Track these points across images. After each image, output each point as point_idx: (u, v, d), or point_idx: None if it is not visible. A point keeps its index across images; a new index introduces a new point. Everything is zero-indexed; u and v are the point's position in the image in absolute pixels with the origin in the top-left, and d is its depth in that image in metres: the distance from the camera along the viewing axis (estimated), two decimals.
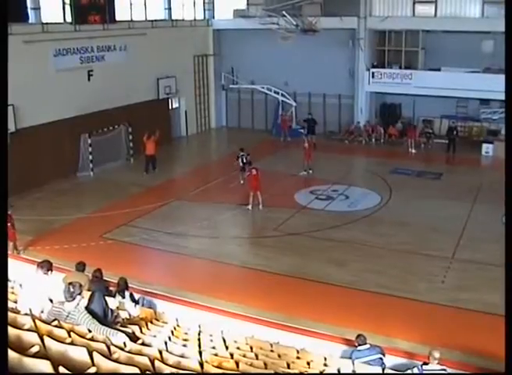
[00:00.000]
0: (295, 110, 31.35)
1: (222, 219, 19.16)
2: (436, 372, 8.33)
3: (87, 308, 7.28)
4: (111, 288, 11.67)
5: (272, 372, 7.37)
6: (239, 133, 32.56)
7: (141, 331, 8.06)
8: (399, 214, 19.28)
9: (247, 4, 31.59)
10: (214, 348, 8.13)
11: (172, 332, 8.73)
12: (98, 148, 23.84)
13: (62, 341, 5.54)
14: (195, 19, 31.73)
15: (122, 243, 17.00)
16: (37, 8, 22.12)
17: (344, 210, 19.88)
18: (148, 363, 5.68)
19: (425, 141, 28.28)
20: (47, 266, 9.01)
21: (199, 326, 9.68)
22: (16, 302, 8.01)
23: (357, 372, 8.62)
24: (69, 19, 23.14)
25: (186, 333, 8.97)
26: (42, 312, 7.47)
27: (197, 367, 6.27)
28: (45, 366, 4.62)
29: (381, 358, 9.06)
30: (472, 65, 26.96)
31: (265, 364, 7.63)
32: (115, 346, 6.08)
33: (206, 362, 6.61)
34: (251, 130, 32.90)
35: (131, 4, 27.30)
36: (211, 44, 32.77)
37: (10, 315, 6.17)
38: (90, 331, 6.57)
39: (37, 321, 6.27)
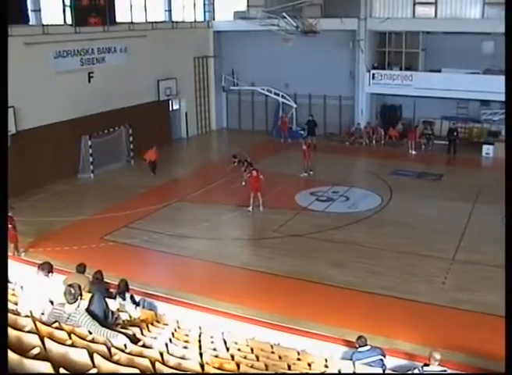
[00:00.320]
0: (295, 112, 31.36)
1: (223, 221, 19.17)
2: (437, 373, 8.33)
3: (87, 309, 7.28)
4: (111, 290, 11.67)
5: (273, 373, 7.37)
6: (239, 134, 32.59)
7: (142, 333, 8.06)
8: (399, 215, 19.28)
9: (248, 5, 31.65)
10: (215, 349, 8.12)
11: (173, 334, 8.72)
12: (99, 149, 23.86)
13: (62, 343, 5.54)
14: (195, 21, 31.75)
15: (122, 245, 16.99)
16: (37, 10, 22.15)
17: (345, 211, 19.87)
18: (149, 365, 5.68)
19: (425, 142, 28.28)
20: (47, 268, 9.00)
21: (200, 328, 9.68)
22: (16, 304, 8.01)
23: (358, 373, 8.62)
24: (69, 21, 23.21)
25: (186, 335, 8.97)
26: (43, 313, 7.46)
27: (198, 369, 6.28)
28: (46, 367, 4.62)
29: (381, 360, 9.05)
30: (473, 66, 27.00)
31: (266, 365, 7.63)
32: (116, 348, 6.08)
33: (207, 363, 6.60)
34: (252, 132, 32.93)
35: (131, 6, 27.33)
36: (211, 46, 32.79)
37: (11, 317, 6.18)
38: (90, 333, 6.57)
39: (37, 323, 6.27)
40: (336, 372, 8.48)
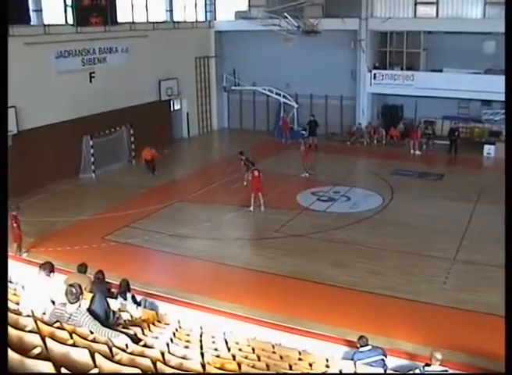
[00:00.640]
0: (297, 112, 31.36)
1: (224, 221, 19.18)
2: (438, 373, 8.33)
3: (88, 309, 7.29)
4: (113, 290, 11.69)
5: (274, 373, 7.37)
6: (240, 134, 32.59)
7: (143, 333, 8.06)
8: (400, 215, 19.27)
9: (249, 5, 31.66)
10: (216, 349, 8.13)
11: (174, 334, 8.73)
12: (100, 149, 23.86)
13: (63, 343, 5.55)
14: (197, 21, 31.76)
15: (124, 245, 17.00)
16: (38, 10, 22.17)
17: (346, 211, 19.86)
18: (150, 365, 5.68)
19: (426, 142, 28.26)
20: (49, 268, 9.01)
21: (201, 328, 9.69)
22: (18, 304, 8.02)
23: (359, 373, 8.62)
24: (70, 21, 23.26)
25: (188, 335, 8.98)
26: (44, 313, 7.47)
27: (199, 369, 6.28)
28: (47, 367, 4.62)
29: (383, 360, 9.06)
30: (474, 66, 26.97)
31: (267, 365, 7.63)
32: (117, 347, 6.08)
33: (208, 363, 6.61)
34: (253, 132, 32.93)
35: (133, 6, 27.35)
36: (212, 46, 32.81)
37: (12, 316, 6.19)
38: (92, 333, 6.58)
39: (39, 323, 6.27)
40: (337, 372, 8.48)
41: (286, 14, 27.13)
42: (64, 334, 6.06)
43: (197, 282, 14.59)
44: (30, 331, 5.68)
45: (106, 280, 11.92)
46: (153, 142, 25.75)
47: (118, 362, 5.45)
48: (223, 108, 34.45)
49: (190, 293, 13.29)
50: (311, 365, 8.63)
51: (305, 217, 19.41)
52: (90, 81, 24.65)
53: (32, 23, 21.83)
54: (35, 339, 5.36)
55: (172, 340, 8.03)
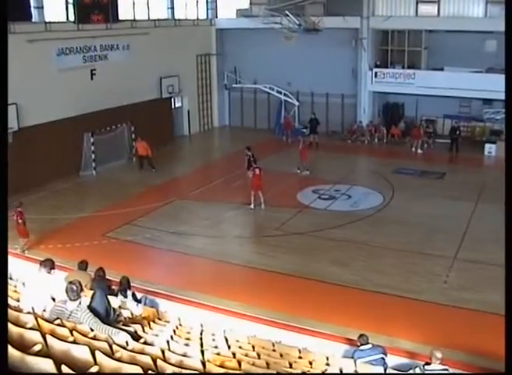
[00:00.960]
0: (298, 110, 31.35)
1: (224, 219, 19.17)
2: (438, 372, 8.34)
3: (89, 306, 7.30)
4: (113, 287, 11.70)
5: (274, 372, 7.37)
6: (241, 132, 32.58)
7: (143, 330, 8.07)
8: (401, 214, 19.26)
9: (250, 3, 31.61)
10: (216, 347, 8.13)
11: (175, 331, 8.74)
12: (101, 147, 23.86)
13: (64, 340, 5.55)
14: (198, 19, 31.74)
15: (124, 242, 17.01)
16: (40, 7, 22.16)
17: (347, 210, 19.86)
18: (150, 362, 5.68)
19: (427, 141, 28.24)
20: (49, 265, 9.03)
21: (201, 326, 9.70)
22: (18, 301, 8.03)
23: (359, 372, 8.62)
24: (72, 18, 23.24)
25: (188, 333, 8.99)
26: (44, 310, 7.48)
27: (200, 366, 6.28)
28: (47, 364, 4.62)
29: (383, 358, 9.06)
30: (475, 65, 26.95)
31: (267, 363, 7.63)
32: (118, 345, 6.09)
33: (208, 361, 6.61)
34: (254, 130, 32.90)
35: (134, 3, 27.33)
36: (213, 44, 32.79)
37: (13, 313, 6.19)
38: (92, 330, 6.59)
39: (39, 320, 6.28)
40: (338, 370, 8.48)
41: (287, 12, 27.12)
42: (64, 331, 6.07)
43: (197, 280, 14.59)
44: (30, 328, 5.68)
45: (107, 277, 11.95)
46: (154, 140, 25.81)
47: (118, 360, 5.44)
48: (224, 106, 34.44)
49: (190, 291, 13.31)
50: (311, 363, 8.64)
51: (306, 215, 19.41)
52: (92, 78, 24.63)
53: (33, 20, 21.81)
54: (35, 336, 5.36)
55: (172, 337, 8.04)
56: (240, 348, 8.63)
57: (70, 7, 23.23)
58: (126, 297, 10.98)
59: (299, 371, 7.96)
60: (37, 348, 5.16)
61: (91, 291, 8.97)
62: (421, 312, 12.81)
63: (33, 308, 7.38)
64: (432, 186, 22.56)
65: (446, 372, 8.41)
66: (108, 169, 24.41)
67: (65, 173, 22.68)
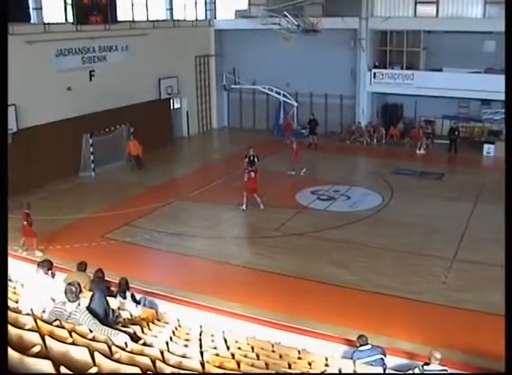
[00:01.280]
0: (296, 110, 31.36)
1: (223, 220, 19.16)
2: (437, 372, 8.34)
3: (88, 308, 7.30)
4: (112, 288, 11.70)
5: (273, 372, 7.37)
6: (240, 133, 32.58)
7: (143, 331, 8.07)
8: (400, 214, 19.27)
9: (249, 4, 31.63)
10: (215, 348, 8.13)
11: (174, 332, 8.74)
12: (100, 148, 23.85)
13: (63, 341, 5.55)
14: (197, 20, 31.76)
15: (123, 243, 17.00)
16: (39, 9, 22.16)
17: (346, 210, 19.86)
18: (150, 363, 5.69)
19: (426, 141, 28.22)
20: (47, 266, 9.02)
21: (200, 327, 9.69)
22: (17, 302, 8.03)
23: (359, 372, 8.62)
24: (70, 19, 23.22)
25: (187, 334, 8.99)
26: (43, 311, 7.48)
27: (199, 367, 6.28)
28: (46, 365, 4.62)
29: (382, 359, 9.06)
30: (474, 65, 26.98)
31: (267, 364, 7.64)
32: (117, 346, 6.09)
33: (207, 362, 6.61)
34: (253, 131, 32.89)
35: (133, 4, 27.35)
36: (212, 45, 32.79)
37: (12, 315, 6.19)
38: (91, 331, 6.59)
39: (38, 321, 6.28)
40: (337, 371, 8.48)
41: (286, 13, 27.11)
42: (63, 333, 6.07)
43: (196, 281, 14.58)
44: (29, 330, 5.68)
45: (106, 278, 11.94)
46: (153, 141, 25.82)
47: (117, 361, 5.45)
48: (223, 107, 34.44)
49: (189, 292, 13.30)
50: (310, 364, 8.64)
51: (305, 216, 19.41)
52: (90, 80, 24.63)
53: (32, 22, 21.83)
54: (34, 337, 5.37)
55: (171, 338, 8.05)
56: (239, 348, 8.63)
57: (69, 8, 23.22)
58: (124, 298, 10.98)
59: (298, 372, 7.96)
60: (36, 349, 5.17)
61: (90, 293, 8.96)
62: (420, 312, 12.81)
63: (32, 310, 7.38)
64: (430, 186, 22.57)
65: (445, 372, 8.41)
66: (107, 170, 24.40)
67: (64, 174, 22.67)
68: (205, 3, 32.34)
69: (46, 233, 17.38)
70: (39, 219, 18.09)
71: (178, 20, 30.19)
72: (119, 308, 10.00)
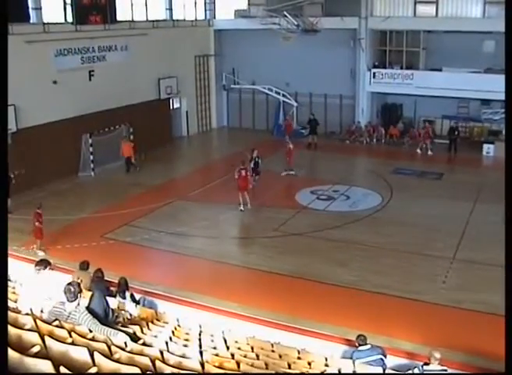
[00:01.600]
0: (296, 110, 31.35)
1: (223, 219, 19.16)
2: (437, 372, 8.34)
3: (87, 308, 7.29)
4: (112, 288, 11.69)
5: (273, 372, 7.37)
6: (240, 133, 32.59)
7: (142, 331, 8.06)
8: (400, 214, 19.27)
9: (248, 4, 31.62)
10: (215, 348, 8.13)
11: (173, 332, 8.73)
12: (99, 148, 23.84)
13: (62, 341, 5.54)
14: (196, 20, 31.75)
15: (123, 243, 17.00)
16: (38, 8, 22.15)
17: (345, 210, 19.86)
18: (149, 363, 5.68)
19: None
20: (44, 265, 9.01)
21: (200, 327, 9.68)
22: (16, 302, 8.02)
23: (358, 372, 8.62)
24: (70, 19, 23.21)
25: (187, 334, 8.98)
26: (42, 311, 7.47)
27: (198, 367, 6.28)
28: (46, 365, 4.62)
29: (382, 359, 9.05)
30: (473, 65, 26.98)
31: (266, 364, 7.63)
32: (116, 346, 6.08)
33: (207, 362, 6.61)
34: (252, 130, 32.90)
35: (132, 4, 27.34)
36: (212, 45, 32.78)
37: (11, 315, 6.18)
38: (91, 331, 6.58)
39: (37, 321, 6.27)
40: (336, 371, 8.48)
41: (285, 13, 27.10)
42: (63, 333, 6.06)
43: (196, 280, 14.58)
44: (28, 330, 5.67)
45: (105, 278, 11.94)
46: (152, 141, 25.82)
47: (117, 361, 5.44)
48: (223, 107, 34.44)
49: (189, 291, 13.30)
50: (309, 364, 8.63)
51: (304, 216, 19.41)
52: (90, 79, 24.62)
53: (31, 22, 21.82)
54: (34, 337, 5.36)
55: (171, 338, 8.04)
56: (239, 348, 8.63)
57: (68, 8, 23.21)
58: (124, 298, 10.97)
59: (298, 372, 7.96)
60: (36, 349, 5.16)
61: (90, 293, 8.96)
62: (419, 312, 12.81)
63: (31, 310, 7.37)
64: (430, 186, 22.58)
65: (444, 372, 8.41)
66: (107, 170, 24.38)
67: (63, 174, 22.66)
68: (205, 3, 32.33)
69: (46, 233, 17.34)
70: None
71: (177, 20, 30.18)
72: (118, 308, 10.00)
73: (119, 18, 25.21)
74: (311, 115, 29.26)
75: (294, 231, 17.89)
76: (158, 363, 5.78)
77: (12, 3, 19.36)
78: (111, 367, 5.24)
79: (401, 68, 29.21)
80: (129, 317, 9.62)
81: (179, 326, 9.62)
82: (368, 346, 9.15)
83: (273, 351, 9.20)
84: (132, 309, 10.25)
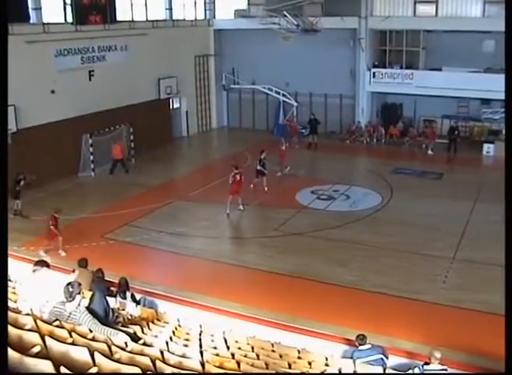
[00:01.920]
0: (296, 110, 31.34)
1: (223, 219, 19.16)
2: (437, 372, 8.34)
3: (88, 308, 7.29)
4: (112, 288, 11.70)
5: (273, 372, 7.37)
6: (240, 133, 32.59)
7: (142, 331, 8.06)
8: (400, 214, 19.27)
9: (248, 4, 31.58)
10: (215, 348, 8.13)
11: (174, 332, 8.73)
12: (100, 148, 23.84)
13: (63, 341, 5.54)
14: (196, 19, 31.75)
15: (123, 243, 17.00)
16: (38, 9, 22.15)
17: (345, 210, 19.87)
18: (150, 363, 5.68)
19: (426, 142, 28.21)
20: (41, 265, 9.01)
21: (200, 326, 9.68)
22: (16, 302, 8.01)
23: (358, 372, 8.62)
24: (70, 19, 23.20)
25: (187, 334, 8.97)
26: (40, 310, 7.46)
27: (199, 367, 6.28)
28: (46, 366, 4.62)
29: (382, 359, 9.05)
30: (473, 65, 26.98)
31: (266, 364, 7.63)
32: (117, 346, 6.08)
33: (207, 362, 6.61)
34: (252, 130, 32.90)
35: (132, 4, 27.34)
36: (212, 45, 32.78)
37: (11, 315, 6.18)
38: (91, 331, 6.58)
39: (38, 321, 6.27)
40: (337, 371, 8.48)
41: (285, 12, 27.11)
42: (63, 333, 6.06)
43: (196, 280, 14.58)
44: (29, 330, 5.67)
45: (105, 278, 11.94)
46: (152, 141, 25.80)
47: (117, 361, 5.44)
48: (222, 107, 34.43)
49: (189, 291, 13.29)
50: (310, 363, 8.63)
51: (304, 216, 19.41)
52: (90, 79, 24.62)
53: (31, 22, 21.82)
54: (34, 338, 5.36)
55: (171, 338, 8.04)
56: (239, 348, 8.63)
57: (68, 8, 23.20)
58: (124, 298, 10.97)
59: (298, 372, 7.96)
60: (36, 349, 5.16)
61: (90, 293, 8.96)
62: (419, 312, 12.82)
63: (31, 310, 7.37)
64: (430, 186, 22.58)
65: (445, 372, 8.41)
66: (107, 170, 24.35)
67: (63, 174, 22.65)
68: (204, 3, 32.33)
69: (46, 233, 17.37)
70: (39, 219, 18.14)
71: (177, 20, 30.18)
72: (118, 308, 10.00)
73: (118, 18, 25.20)
74: (311, 115, 29.27)
75: (294, 231, 17.90)
76: (158, 363, 5.78)
77: (12, 3, 19.35)
78: (111, 367, 5.24)
79: (401, 68, 29.20)
80: (129, 317, 9.62)
81: (179, 326, 9.62)
82: (369, 346, 9.15)
83: (273, 350, 9.20)
84: (132, 309, 10.25)
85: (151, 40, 27.40)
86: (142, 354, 5.96)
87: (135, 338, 7.08)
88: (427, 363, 8.43)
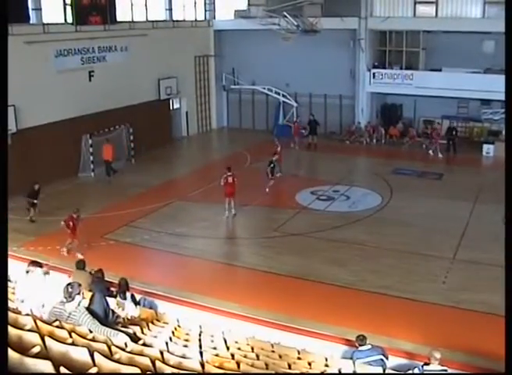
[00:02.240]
0: (296, 111, 31.35)
1: (223, 220, 19.15)
2: (437, 372, 8.34)
3: (88, 308, 7.29)
4: (112, 289, 11.70)
5: (273, 372, 7.37)
6: (240, 133, 32.59)
7: (142, 332, 8.06)
8: (400, 214, 19.26)
9: (248, 4, 31.61)
10: (215, 348, 8.13)
11: (173, 332, 8.73)
12: (99, 148, 23.83)
13: (63, 342, 5.55)
14: (196, 20, 31.76)
15: (123, 243, 17.00)
16: (38, 9, 22.14)
17: (345, 211, 19.87)
18: (149, 364, 5.68)
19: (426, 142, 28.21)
20: (35, 266, 9.01)
21: (200, 327, 9.68)
22: (14, 302, 8.02)
23: (358, 372, 8.62)
24: (70, 19, 23.17)
25: (187, 334, 8.98)
26: (40, 310, 7.47)
27: (198, 368, 6.28)
28: (46, 366, 4.62)
29: (382, 359, 9.05)
30: (473, 65, 26.99)
31: (266, 364, 7.63)
32: (116, 346, 6.08)
33: (207, 362, 6.61)
34: (252, 131, 32.91)
35: (132, 4, 27.34)
36: (212, 45, 32.80)
37: (11, 315, 6.18)
38: (91, 332, 6.58)
39: (38, 321, 6.27)
40: (337, 371, 8.48)
41: (285, 13, 27.12)
42: (63, 333, 6.07)
43: (196, 281, 14.58)
44: (29, 330, 5.68)
45: (105, 278, 11.94)
46: (152, 141, 25.78)
47: (117, 361, 5.45)
48: (222, 108, 34.45)
49: (189, 292, 13.29)
50: (310, 364, 8.63)
51: (304, 216, 19.42)
52: (90, 80, 24.63)
53: (31, 22, 21.80)
54: (34, 338, 5.36)
55: (171, 339, 8.04)
56: (239, 349, 8.63)
57: (68, 9, 23.17)
58: (124, 298, 10.97)
59: (298, 372, 7.96)
60: (36, 349, 5.16)
61: (90, 293, 8.96)
62: (419, 312, 12.81)
63: (31, 310, 7.38)
64: (430, 186, 22.58)
65: (444, 372, 8.41)
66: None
67: (63, 174, 22.64)
68: (204, 3, 32.34)
69: (46, 233, 17.38)
70: (39, 219, 18.15)
71: (177, 21, 30.19)
72: (118, 308, 9.99)
73: (118, 18, 25.20)
74: (310, 115, 29.27)
75: (294, 231, 17.90)
76: (158, 363, 5.79)
77: (12, 3, 19.37)
78: (111, 367, 5.25)
79: (401, 68, 29.22)
80: (129, 318, 9.62)
81: (179, 326, 9.62)
82: (369, 346, 9.15)
83: (273, 351, 9.20)
84: (132, 310, 10.26)
85: (151, 40, 27.41)
86: (142, 354, 5.96)
87: (135, 339, 7.08)
88: (427, 364, 8.44)
